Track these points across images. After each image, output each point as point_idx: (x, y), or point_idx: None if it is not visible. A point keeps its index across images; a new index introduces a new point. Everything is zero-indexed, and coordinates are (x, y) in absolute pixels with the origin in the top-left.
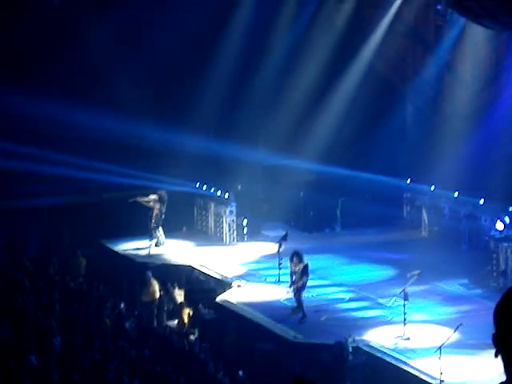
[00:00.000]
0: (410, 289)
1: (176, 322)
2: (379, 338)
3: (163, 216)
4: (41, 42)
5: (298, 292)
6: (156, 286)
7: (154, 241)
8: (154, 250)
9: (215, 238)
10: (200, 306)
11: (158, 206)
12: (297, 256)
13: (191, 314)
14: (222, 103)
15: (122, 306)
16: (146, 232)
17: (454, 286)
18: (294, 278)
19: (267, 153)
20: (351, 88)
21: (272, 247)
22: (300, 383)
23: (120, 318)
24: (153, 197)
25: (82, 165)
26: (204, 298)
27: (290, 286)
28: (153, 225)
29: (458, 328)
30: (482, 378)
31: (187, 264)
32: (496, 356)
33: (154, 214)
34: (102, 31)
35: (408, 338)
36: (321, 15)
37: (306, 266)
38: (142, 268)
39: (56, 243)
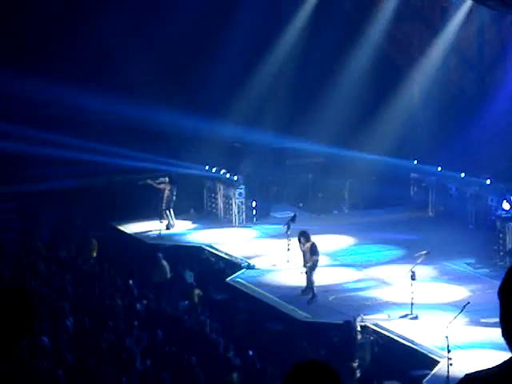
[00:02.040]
0: (417, 268)
1: (187, 302)
2: (387, 318)
3: (174, 198)
4: (53, 26)
5: (309, 272)
6: (167, 267)
7: (165, 223)
8: (164, 232)
9: (225, 220)
10: (210, 286)
11: (168, 188)
12: (303, 235)
13: (201, 294)
14: (231, 86)
15: (134, 287)
16: (157, 214)
17: (461, 266)
18: (304, 257)
19: (276, 135)
20: (358, 70)
21: (281, 229)
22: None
23: (131, 299)
24: (163, 179)
25: (93, 148)
26: (214, 279)
27: (304, 266)
28: (163, 207)
29: (465, 307)
30: (489, 356)
31: (197, 245)
32: (503, 335)
33: (165, 196)
34: (114, 15)
35: (416, 317)
36: None
37: (313, 245)
38: (152, 249)
39: (68, 226)
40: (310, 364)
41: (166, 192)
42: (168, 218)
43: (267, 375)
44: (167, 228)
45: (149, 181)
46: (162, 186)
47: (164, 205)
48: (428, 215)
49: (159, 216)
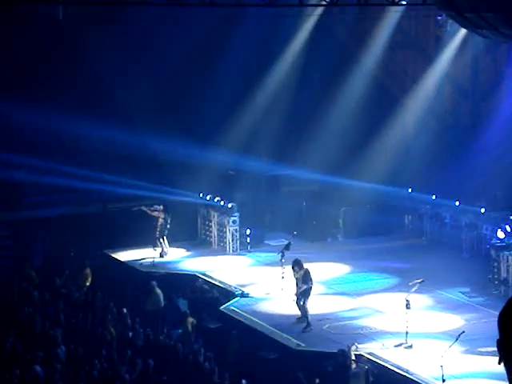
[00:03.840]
0: (411, 297)
1: (180, 330)
2: (381, 346)
3: (168, 226)
4: (46, 54)
5: (302, 300)
6: (160, 296)
7: (159, 250)
8: (158, 260)
9: (219, 248)
10: (204, 315)
11: (162, 216)
12: (297, 264)
13: (195, 322)
14: (225, 114)
15: (127, 315)
16: (150, 242)
17: (456, 294)
18: (298, 285)
19: (270, 163)
20: (353, 98)
21: (275, 257)
22: None
23: (125, 328)
24: (158, 207)
25: (88, 176)
26: (208, 307)
27: (296, 294)
28: (157, 235)
29: (459, 336)
30: None
31: (191, 273)
32: (499, 363)
33: (159, 224)
34: (105, 44)
35: (410, 346)
36: (323, 26)
37: (306, 272)
38: (146, 277)
39: (61, 254)
40: None
41: (160, 220)
42: (162, 246)
43: None
44: (161, 256)
45: (143, 208)
46: (155, 213)
47: (158, 233)
48: (423, 243)
49: (153, 244)
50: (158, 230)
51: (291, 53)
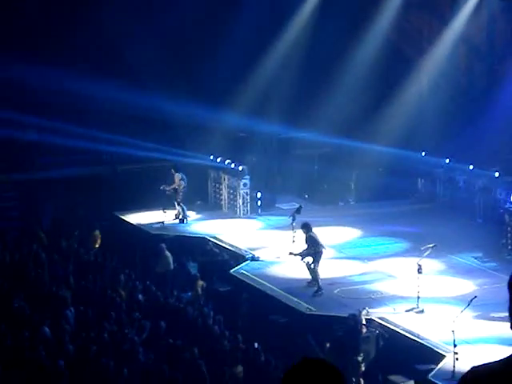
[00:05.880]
0: (423, 262)
1: (190, 293)
2: (392, 311)
3: (184, 188)
4: (57, 13)
5: (312, 263)
6: (170, 258)
7: (175, 213)
8: (168, 222)
9: (229, 211)
10: (214, 278)
11: (180, 177)
12: (305, 227)
13: (205, 286)
14: (236, 75)
15: (136, 277)
16: (160, 204)
17: (468, 259)
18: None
19: (282, 125)
20: (366, 60)
21: (286, 220)
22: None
23: (134, 290)
24: (177, 177)
25: (98, 137)
26: (218, 271)
27: (303, 258)
28: (179, 198)
29: (471, 301)
30: (495, 350)
31: (201, 236)
32: None
33: (181, 188)
34: (117, 3)
35: (422, 311)
36: None
37: (309, 237)
38: (156, 240)
39: (70, 215)
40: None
41: (181, 183)
42: (183, 211)
43: (271, 368)
44: (181, 221)
45: (175, 173)
46: (177, 176)
47: (181, 194)
48: (436, 208)
49: (164, 206)
50: (180, 193)
51: (304, 13)
